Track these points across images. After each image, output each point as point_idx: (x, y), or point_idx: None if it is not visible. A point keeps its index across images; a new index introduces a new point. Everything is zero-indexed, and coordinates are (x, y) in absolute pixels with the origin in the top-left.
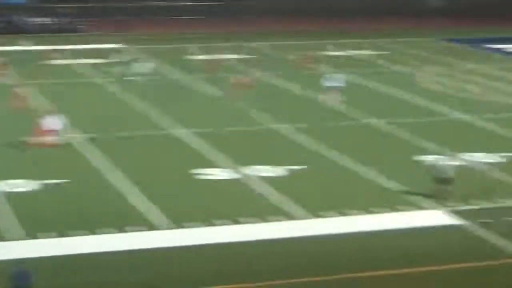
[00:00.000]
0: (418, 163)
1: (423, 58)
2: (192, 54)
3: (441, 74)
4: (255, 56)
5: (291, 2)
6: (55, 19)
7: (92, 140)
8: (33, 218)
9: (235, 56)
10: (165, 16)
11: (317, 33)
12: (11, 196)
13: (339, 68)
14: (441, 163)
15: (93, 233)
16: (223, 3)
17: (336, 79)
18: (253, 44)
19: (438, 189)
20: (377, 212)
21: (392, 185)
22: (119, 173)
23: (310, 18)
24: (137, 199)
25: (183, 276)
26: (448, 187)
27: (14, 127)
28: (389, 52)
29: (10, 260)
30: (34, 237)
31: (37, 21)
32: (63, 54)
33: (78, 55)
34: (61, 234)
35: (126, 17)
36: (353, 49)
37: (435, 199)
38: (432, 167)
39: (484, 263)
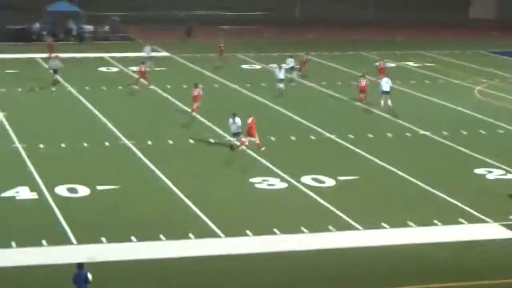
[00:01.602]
0: (476, 176)
1: (474, 70)
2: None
3: (494, 86)
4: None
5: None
6: (108, 27)
7: (144, 146)
8: (85, 224)
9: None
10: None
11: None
12: (65, 201)
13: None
14: None
15: (158, 239)
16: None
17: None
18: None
19: None
20: (433, 224)
21: (448, 197)
22: (177, 179)
23: (351, 28)
24: (195, 206)
25: (248, 283)
26: None
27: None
28: (438, 64)
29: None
30: (90, 242)
31: (92, 29)
32: (116, 61)
33: (131, 62)
34: (112, 240)
35: (173, 25)
36: (401, 61)
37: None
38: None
39: None
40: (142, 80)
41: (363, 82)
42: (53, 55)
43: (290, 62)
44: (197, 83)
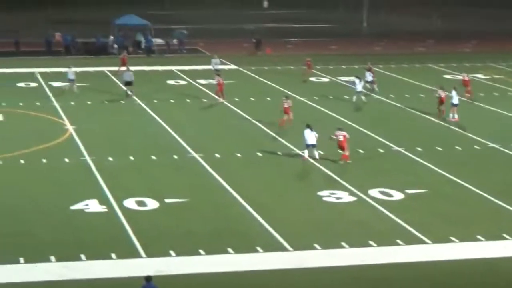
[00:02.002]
0: None
1: None
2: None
3: None
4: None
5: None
6: (176, 40)
7: (213, 159)
8: (154, 237)
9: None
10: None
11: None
12: (133, 214)
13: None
14: None
15: (226, 252)
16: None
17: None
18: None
19: None
20: (503, 238)
21: None
22: (245, 192)
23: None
24: (263, 219)
25: None
26: None
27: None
28: (507, 76)
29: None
30: (161, 255)
31: (160, 42)
32: (184, 74)
33: (199, 75)
34: (181, 253)
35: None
36: (470, 73)
37: None
38: None
39: None
40: (218, 93)
41: (442, 94)
42: (123, 68)
43: (368, 76)
44: (287, 95)
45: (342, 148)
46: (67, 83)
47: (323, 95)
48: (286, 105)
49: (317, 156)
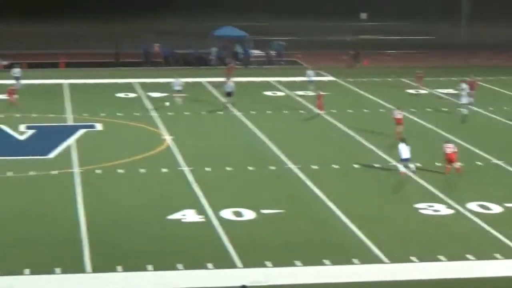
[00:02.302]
0: None
1: None
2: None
3: None
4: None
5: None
6: (274, 51)
7: (309, 170)
8: (250, 247)
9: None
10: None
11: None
12: (230, 225)
13: None
14: None
15: (322, 264)
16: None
17: None
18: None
19: None
20: None
21: None
22: (341, 204)
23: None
24: (360, 231)
25: None
26: None
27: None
28: None
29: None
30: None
31: (258, 53)
32: (282, 85)
33: (297, 86)
34: (277, 264)
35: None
36: None
37: None
38: None
39: None
40: (318, 105)
41: None
42: (228, 78)
43: (465, 88)
44: (399, 106)
45: (450, 161)
46: (175, 94)
47: (421, 107)
48: (399, 116)
49: (414, 169)
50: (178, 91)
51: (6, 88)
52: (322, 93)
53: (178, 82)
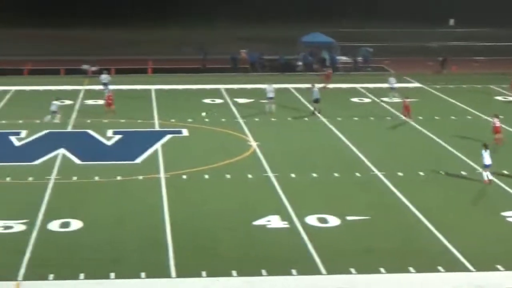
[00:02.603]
0: None
1: None
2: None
3: None
4: None
5: None
6: (361, 58)
7: (395, 177)
8: (335, 254)
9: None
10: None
11: None
12: (315, 231)
13: None
14: None
15: (407, 271)
16: None
17: None
18: None
19: None
20: None
21: None
22: (427, 211)
23: None
24: (445, 238)
25: None
26: None
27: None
28: None
29: None
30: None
31: (346, 59)
32: (368, 92)
33: (384, 93)
34: (361, 271)
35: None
36: None
37: None
38: None
39: None
40: (404, 112)
41: None
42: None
43: None
44: (497, 114)
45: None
46: (267, 101)
47: (508, 114)
48: (498, 124)
49: (489, 177)
50: (270, 98)
51: (105, 96)
52: (408, 100)
53: (270, 88)
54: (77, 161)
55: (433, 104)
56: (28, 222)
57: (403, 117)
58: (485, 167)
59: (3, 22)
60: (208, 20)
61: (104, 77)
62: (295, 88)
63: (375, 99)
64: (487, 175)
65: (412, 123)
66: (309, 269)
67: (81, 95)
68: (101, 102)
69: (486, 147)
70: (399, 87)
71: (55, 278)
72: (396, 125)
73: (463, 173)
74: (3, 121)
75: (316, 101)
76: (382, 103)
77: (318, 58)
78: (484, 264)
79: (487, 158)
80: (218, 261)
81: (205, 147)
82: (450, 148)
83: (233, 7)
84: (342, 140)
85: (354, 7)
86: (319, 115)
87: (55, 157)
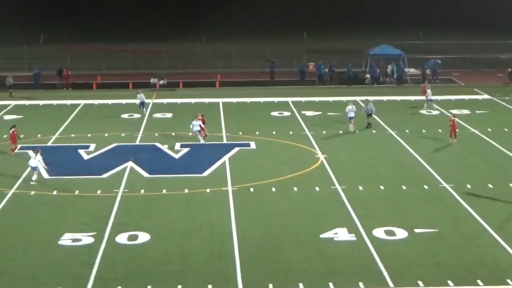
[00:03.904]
0: None
1: None
2: None
3: None
4: None
5: None
6: (429, 70)
7: (464, 190)
8: (402, 267)
9: None
10: None
11: None
12: (382, 244)
13: None
14: None
15: (476, 284)
16: None
17: None
18: None
19: None
20: None
21: None
22: (497, 224)
23: None
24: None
25: None
26: None
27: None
28: None
29: None
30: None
31: (414, 71)
32: (436, 104)
33: (452, 105)
34: (429, 284)
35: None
36: None
37: None
38: None
39: None
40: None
41: None
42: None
43: None
44: None
45: None
46: (350, 123)
47: None
48: None
49: None
50: (351, 118)
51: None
52: (455, 118)
53: (351, 108)
54: (144, 174)
55: (503, 116)
56: (96, 234)
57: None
58: None
59: (72, 37)
60: (276, 32)
61: (139, 96)
62: (363, 101)
63: (443, 111)
64: None
65: (480, 134)
66: (376, 282)
67: (149, 108)
68: (169, 115)
69: None
70: (469, 99)
71: None
72: (464, 137)
73: None
74: (73, 135)
75: (370, 115)
76: (450, 115)
77: (385, 71)
78: None
79: None
80: (285, 274)
81: (272, 159)
82: None
83: (300, 20)
84: (410, 152)
85: (423, 19)
86: (386, 126)
87: (123, 170)
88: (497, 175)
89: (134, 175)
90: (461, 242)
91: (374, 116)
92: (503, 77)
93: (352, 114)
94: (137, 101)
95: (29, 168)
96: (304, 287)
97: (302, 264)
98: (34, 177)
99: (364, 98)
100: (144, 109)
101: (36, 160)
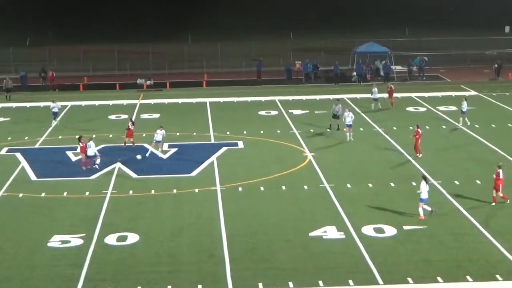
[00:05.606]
0: None
1: None
2: None
3: None
4: None
5: None
6: (416, 67)
7: (453, 186)
8: (392, 264)
9: None
10: None
11: None
12: (371, 241)
13: None
14: None
15: (465, 280)
16: None
17: None
18: None
19: None
20: None
21: None
22: (484, 219)
23: None
24: (503, 247)
25: None
26: None
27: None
28: None
29: None
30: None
31: (401, 69)
32: (424, 101)
33: (439, 102)
34: (418, 281)
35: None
36: None
37: None
38: None
39: None
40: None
41: None
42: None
43: None
44: None
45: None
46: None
47: None
48: None
49: (428, 209)
50: (349, 126)
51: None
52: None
53: (348, 115)
54: (133, 175)
55: (489, 111)
56: (85, 236)
57: (415, 154)
58: (422, 201)
59: (59, 39)
60: (262, 32)
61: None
62: (350, 99)
63: (431, 108)
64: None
65: (467, 130)
66: (366, 279)
67: (136, 109)
68: (156, 115)
69: (424, 178)
70: (456, 95)
71: None
72: (451, 133)
73: None
74: (60, 136)
75: (335, 116)
76: (438, 112)
77: (371, 68)
78: None
79: (424, 191)
80: (274, 273)
81: (260, 159)
82: (507, 156)
83: (286, 19)
84: (398, 149)
85: (409, 16)
86: (374, 124)
87: (112, 171)
88: (485, 171)
89: (123, 176)
90: (450, 239)
91: (363, 114)
92: (489, 73)
93: (349, 122)
94: (54, 110)
95: (17, 170)
96: (293, 285)
97: (292, 263)
98: (98, 161)
99: (337, 97)
100: (56, 119)
101: (92, 149)
